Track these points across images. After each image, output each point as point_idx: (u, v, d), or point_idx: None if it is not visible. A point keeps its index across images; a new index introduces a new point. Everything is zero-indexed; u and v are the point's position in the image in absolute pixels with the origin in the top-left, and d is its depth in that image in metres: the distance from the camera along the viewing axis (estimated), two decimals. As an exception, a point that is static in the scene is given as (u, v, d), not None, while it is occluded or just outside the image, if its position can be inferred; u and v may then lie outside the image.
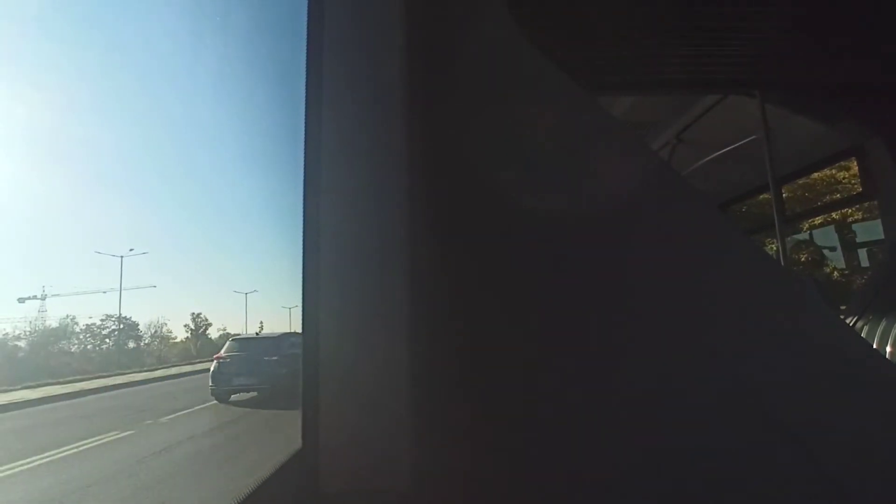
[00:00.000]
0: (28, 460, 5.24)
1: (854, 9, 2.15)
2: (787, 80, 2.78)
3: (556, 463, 0.61)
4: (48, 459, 5.33)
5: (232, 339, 10.10)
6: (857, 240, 5.11)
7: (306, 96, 0.62)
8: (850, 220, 5.73)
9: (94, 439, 6.11)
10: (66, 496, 4.15)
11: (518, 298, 0.67)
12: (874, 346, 2.41)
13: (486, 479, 0.61)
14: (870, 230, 4.47)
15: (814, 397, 0.65)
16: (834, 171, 6.38)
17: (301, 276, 0.59)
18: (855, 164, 3.13)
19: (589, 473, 0.61)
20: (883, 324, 2.56)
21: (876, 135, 2.74)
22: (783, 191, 3.39)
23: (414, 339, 0.55)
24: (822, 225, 5.64)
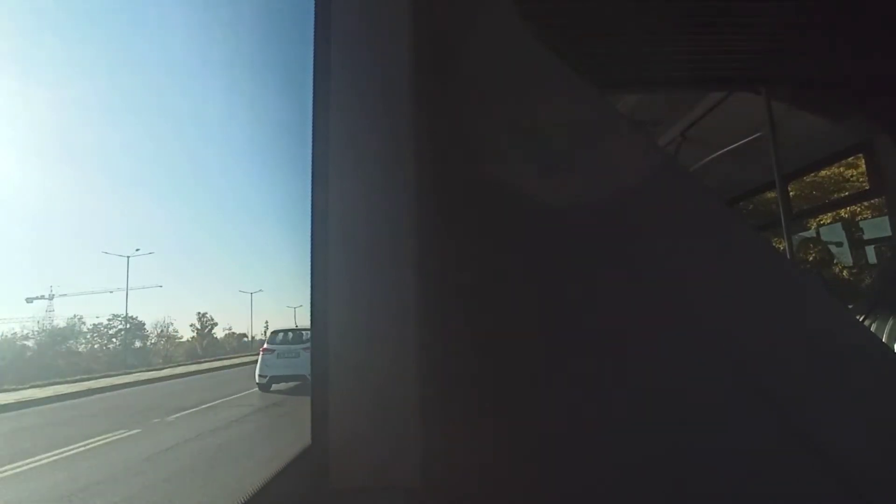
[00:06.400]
0: (36, 458, 5.30)
1: (859, 4, 2.13)
2: (792, 76, 2.76)
3: (566, 460, 0.61)
4: (56, 457, 5.38)
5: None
6: (865, 237, 5.07)
7: (313, 93, 0.62)
8: (858, 217, 5.69)
9: (101, 437, 6.16)
10: (74, 494, 4.18)
11: (527, 295, 0.67)
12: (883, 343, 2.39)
13: (495, 476, 0.61)
14: (878, 227, 4.43)
15: (823, 393, 0.64)
16: (842, 169, 6.34)
17: (308, 274, 0.59)
18: (862, 161, 3.11)
19: (598, 470, 0.61)
20: (891, 321, 2.54)
21: (883, 131, 2.72)
22: (790, 188, 3.36)
23: (423, 335, 0.55)
24: (829, 223, 5.60)
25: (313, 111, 0.61)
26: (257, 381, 9.95)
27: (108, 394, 11.39)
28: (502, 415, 0.63)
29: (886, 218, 3.14)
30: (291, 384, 9.87)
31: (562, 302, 0.67)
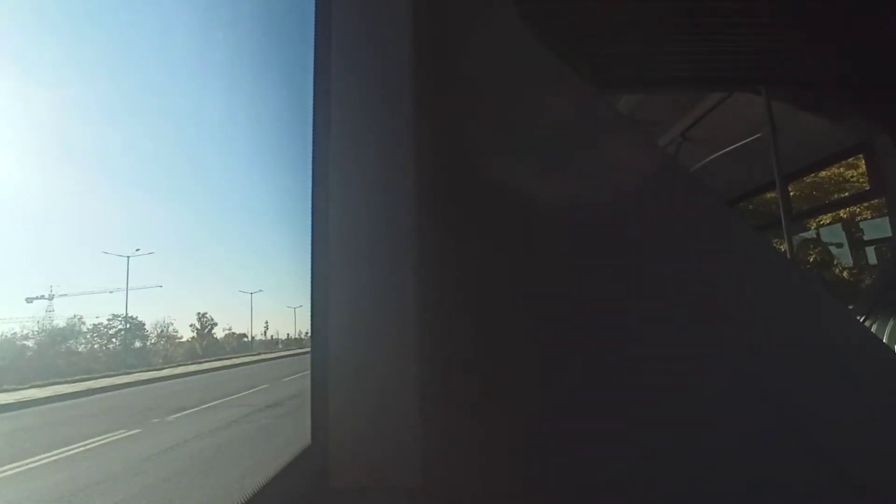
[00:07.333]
0: (37, 458, 5.29)
1: (860, 4, 2.13)
2: (792, 76, 2.76)
3: (566, 460, 0.61)
4: (56, 457, 5.37)
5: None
6: (865, 238, 5.07)
7: (314, 93, 0.62)
8: (858, 218, 5.69)
9: (101, 437, 6.16)
10: (74, 494, 4.18)
11: (527, 295, 0.67)
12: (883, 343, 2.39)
13: (495, 476, 0.61)
14: (878, 228, 4.43)
15: (823, 393, 0.65)
16: (842, 169, 6.34)
17: (308, 274, 0.59)
18: (862, 161, 3.11)
19: (598, 470, 0.61)
20: (891, 321, 2.54)
21: (883, 131, 2.72)
22: (790, 188, 3.37)
23: (423, 335, 0.55)
24: (829, 223, 5.60)
25: (313, 111, 0.61)
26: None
27: (108, 394, 11.39)
28: (502, 415, 0.63)
29: (886, 218, 3.15)
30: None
31: (562, 302, 0.67)
